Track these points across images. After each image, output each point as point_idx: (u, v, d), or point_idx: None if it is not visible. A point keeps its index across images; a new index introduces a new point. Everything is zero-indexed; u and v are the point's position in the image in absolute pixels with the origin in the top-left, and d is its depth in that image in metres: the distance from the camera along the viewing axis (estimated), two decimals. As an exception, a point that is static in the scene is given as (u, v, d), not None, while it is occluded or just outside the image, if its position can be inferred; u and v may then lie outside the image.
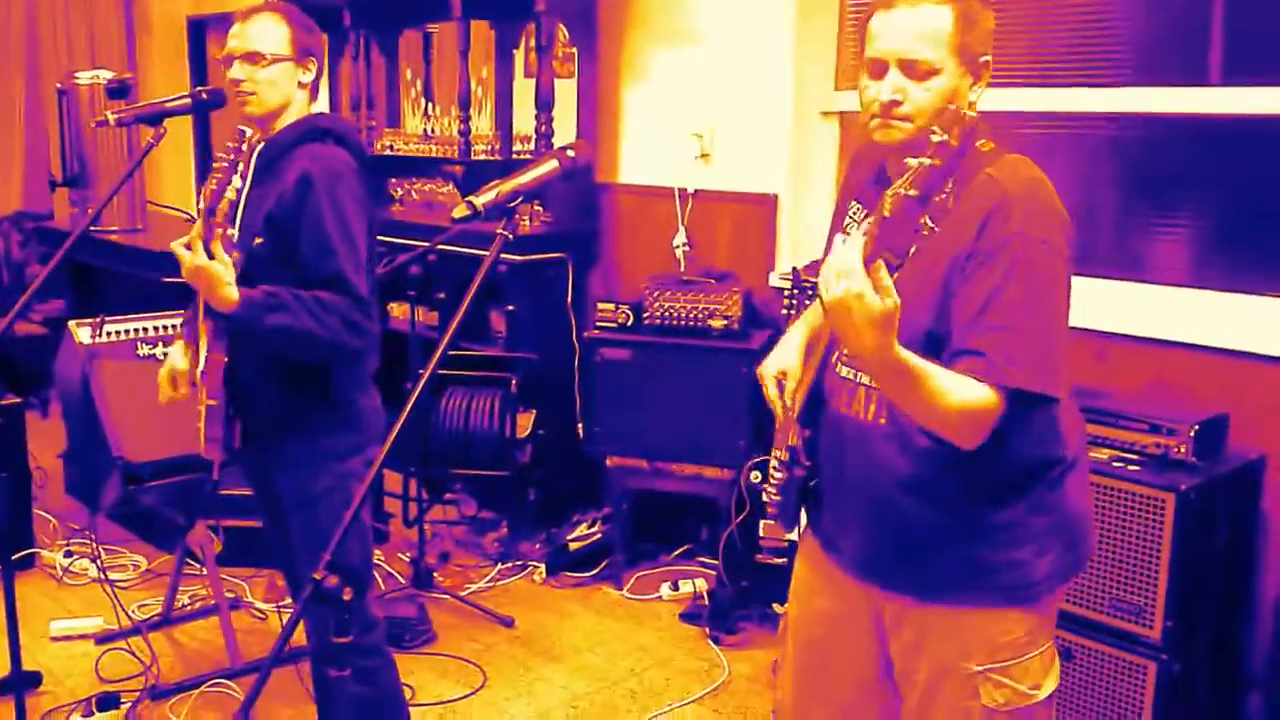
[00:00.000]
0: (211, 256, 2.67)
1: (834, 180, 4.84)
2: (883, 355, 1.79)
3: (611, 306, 4.72)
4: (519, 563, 4.94)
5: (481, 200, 2.10)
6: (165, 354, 3.24)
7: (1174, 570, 3.15)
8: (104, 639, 4.11)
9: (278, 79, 2.87)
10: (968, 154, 1.97)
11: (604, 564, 4.86)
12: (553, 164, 2.23)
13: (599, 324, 4.72)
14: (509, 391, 4.96)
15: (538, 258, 5.08)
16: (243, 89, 2.86)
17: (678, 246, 5.03)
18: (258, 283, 2.75)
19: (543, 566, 4.85)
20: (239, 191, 2.82)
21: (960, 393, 1.89)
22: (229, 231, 2.79)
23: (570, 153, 2.26)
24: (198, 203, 2.87)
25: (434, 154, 5.78)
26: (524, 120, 5.36)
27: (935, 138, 1.64)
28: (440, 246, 4.55)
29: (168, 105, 2.99)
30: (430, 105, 5.94)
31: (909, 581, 2.18)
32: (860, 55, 2.07)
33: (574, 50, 5.31)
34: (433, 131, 5.86)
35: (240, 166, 2.83)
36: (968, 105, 2.01)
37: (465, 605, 4.55)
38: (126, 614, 4.02)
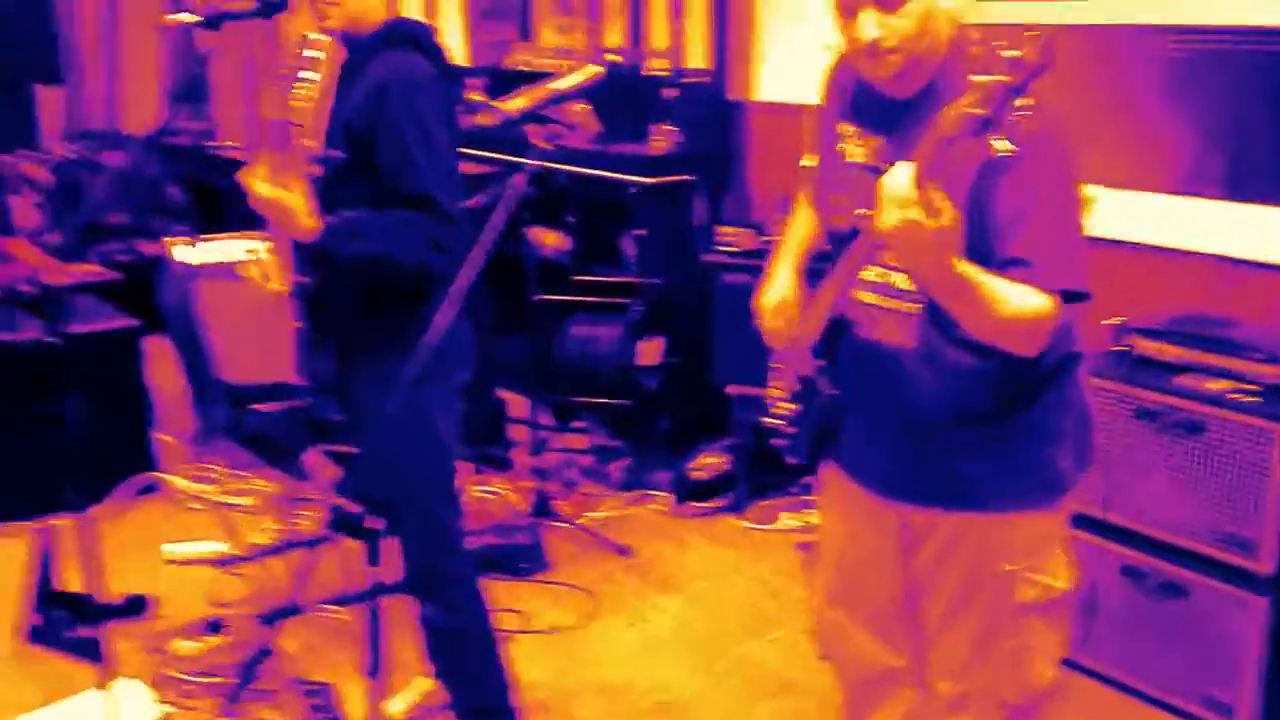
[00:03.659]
0: (284, 185, 2.59)
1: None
2: (944, 274, 1.82)
3: (733, 230, 4.58)
4: (644, 492, 4.86)
5: (510, 107, 2.01)
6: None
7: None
8: (219, 563, 4.15)
9: None
10: (961, 60, 2.00)
11: (728, 494, 4.73)
12: (595, 69, 2.16)
13: (719, 247, 4.58)
14: (636, 319, 4.85)
15: (668, 180, 4.89)
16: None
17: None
18: (338, 195, 2.67)
19: (667, 496, 4.77)
20: (313, 100, 2.72)
21: (1015, 301, 1.89)
22: (307, 143, 2.71)
23: (616, 57, 2.15)
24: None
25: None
26: (659, 34, 5.20)
27: (1008, 54, 1.59)
28: (568, 169, 4.42)
29: (227, 7, 2.79)
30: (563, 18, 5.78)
31: (946, 495, 2.20)
32: None
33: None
34: (569, 48, 5.72)
35: (312, 75, 2.73)
36: (952, 15, 2.01)
37: (584, 534, 4.50)
38: (241, 539, 4.05)
